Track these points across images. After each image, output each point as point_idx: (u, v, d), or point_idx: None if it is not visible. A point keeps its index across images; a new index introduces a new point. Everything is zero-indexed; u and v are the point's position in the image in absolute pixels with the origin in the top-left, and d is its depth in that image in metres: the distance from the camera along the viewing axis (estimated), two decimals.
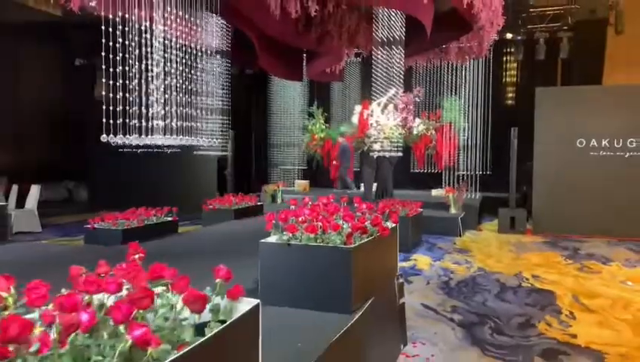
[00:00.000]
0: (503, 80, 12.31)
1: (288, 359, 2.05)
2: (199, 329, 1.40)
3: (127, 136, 4.63)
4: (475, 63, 10.52)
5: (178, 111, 4.99)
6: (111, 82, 4.53)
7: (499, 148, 10.49)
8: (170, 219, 6.22)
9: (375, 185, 10.00)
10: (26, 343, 0.93)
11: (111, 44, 4.67)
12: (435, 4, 6.43)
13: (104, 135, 4.61)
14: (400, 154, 8.58)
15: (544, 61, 11.30)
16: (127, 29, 4.74)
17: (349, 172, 11.31)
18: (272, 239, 2.82)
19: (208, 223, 7.22)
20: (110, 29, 4.66)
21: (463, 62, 10.13)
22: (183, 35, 4.96)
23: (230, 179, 12.14)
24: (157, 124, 4.70)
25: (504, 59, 12.15)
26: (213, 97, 5.28)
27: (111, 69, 4.62)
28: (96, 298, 1.40)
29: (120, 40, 4.68)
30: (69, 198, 12.70)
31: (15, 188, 8.13)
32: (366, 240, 2.84)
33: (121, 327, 1.20)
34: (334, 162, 11.48)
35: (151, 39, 4.65)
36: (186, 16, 4.97)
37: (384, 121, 8.71)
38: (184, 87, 5.02)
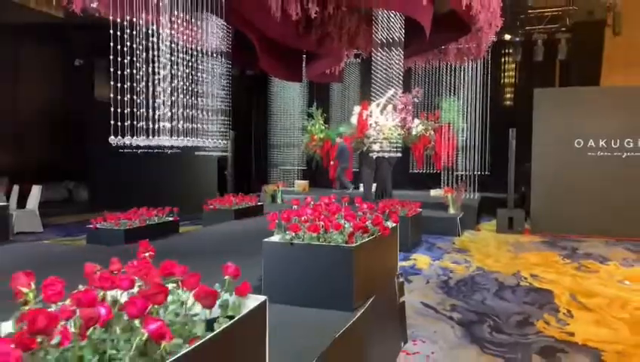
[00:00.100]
0: (502, 81, 12.39)
1: (292, 355, 2.10)
2: (209, 324, 1.45)
3: (135, 137, 4.66)
4: (473, 64, 10.59)
5: (184, 113, 5.03)
6: (119, 85, 4.56)
7: (497, 148, 10.55)
8: (171, 219, 6.26)
9: (374, 185, 10.05)
10: (49, 335, 0.98)
11: (119, 47, 4.69)
12: (434, 5, 6.49)
13: (112, 137, 4.65)
14: (399, 154, 8.63)
15: (542, 62, 11.39)
16: (133, 32, 4.76)
17: (347, 172, 11.36)
18: (275, 238, 2.87)
19: (209, 223, 7.27)
20: (117, 32, 4.67)
21: (461, 63, 10.20)
22: (185, 37, 5.00)
23: (230, 180, 12.18)
24: (163, 126, 4.74)
25: (502, 60, 12.24)
26: (216, 99, 5.32)
27: (119, 72, 4.64)
28: (109, 294, 1.45)
29: (128, 43, 4.70)
30: (69, 198, 12.73)
31: (16, 188, 8.16)
32: (367, 239, 2.90)
33: (136, 322, 1.24)
34: (332, 162, 11.54)
35: (158, 42, 4.69)
36: (189, 18, 5.00)
37: (383, 121, 8.77)
38: (189, 89, 5.06)
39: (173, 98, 4.87)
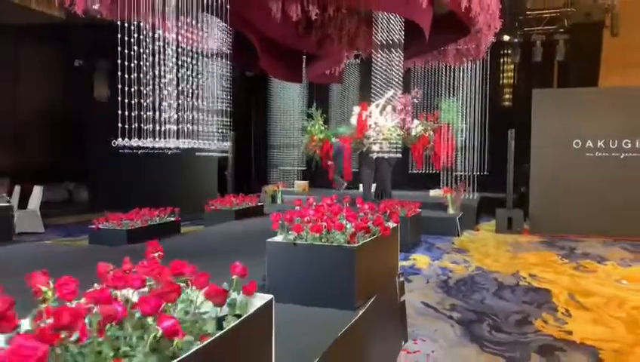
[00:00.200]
0: (500, 82, 12.45)
1: (296, 353, 2.15)
2: (218, 322, 1.49)
3: (142, 140, 4.71)
4: (472, 65, 10.64)
5: (190, 116, 5.07)
6: (126, 88, 4.60)
7: (496, 148, 10.61)
8: (173, 219, 6.30)
9: (374, 185, 10.10)
10: (73, 331, 1.02)
11: (126, 51, 4.71)
12: (433, 7, 6.54)
13: (119, 139, 4.69)
14: (399, 155, 8.68)
15: (541, 63, 11.45)
16: (137, 35, 4.79)
17: (344, 172, 11.39)
18: (279, 238, 2.91)
19: (210, 223, 7.31)
20: (125, 37, 4.69)
21: (460, 64, 10.25)
22: (187, 39, 5.03)
23: (230, 180, 12.21)
24: (168, 128, 4.78)
25: (501, 60, 12.29)
26: (219, 100, 5.36)
27: (126, 75, 4.68)
28: (120, 293, 1.50)
29: (134, 46, 4.73)
30: (69, 199, 12.75)
31: (17, 189, 8.19)
32: (369, 239, 2.94)
33: (150, 319, 1.29)
34: (330, 163, 11.59)
35: (161, 45, 4.73)
36: (190, 20, 5.04)
37: (382, 122, 8.83)
38: (192, 91, 5.10)
39: (179, 101, 4.91)
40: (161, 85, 4.74)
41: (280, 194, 10.74)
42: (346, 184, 11.81)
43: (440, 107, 10.82)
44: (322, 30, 7.76)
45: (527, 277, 5.67)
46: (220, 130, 5.42)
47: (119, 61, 4.45)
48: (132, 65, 4.56)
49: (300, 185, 12.56)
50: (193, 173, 11.49)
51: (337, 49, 8.29)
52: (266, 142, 13.80)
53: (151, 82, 4.65)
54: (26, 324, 1.31)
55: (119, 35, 4.48)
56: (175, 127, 4.80)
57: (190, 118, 5.06)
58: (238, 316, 1.59)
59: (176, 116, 4.81)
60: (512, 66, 12.31)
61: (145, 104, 4.61)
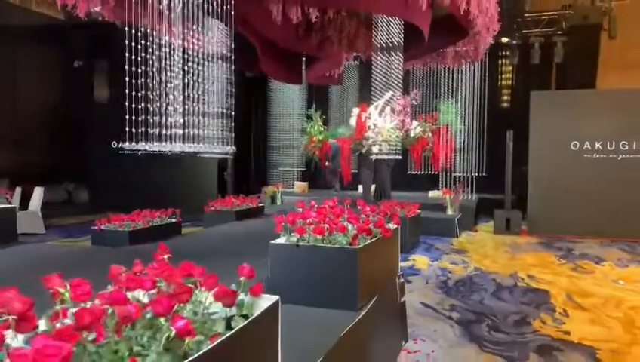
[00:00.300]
0: (499, 83, 12.51)
1: (300, 353, 2.19)
2: (227, 322, 1.54)
3: (149, 143, 4.75)
4: (471, 67, 10.70)
5: (196, 120, 5.12)
6: (133, 93, 4.63)
7: (494, 150, 10.68)
8: (174, 220, 6.34)
9: (373, 186, 10.15)
10: (92, 332, 1.07)
11: (133, 56, 4.74)
12: (432, 10, 6.59)
13: (126, 143, 4.73)
14: (399, 157, 8.72)
15: (539, 65, 11.52)
16: (142, 41, 4.82)
17: (339, 173, 11.43)
18: (282, 240, 2.96)
19: (210, 224, 7.34)
20: (132, 42, 4.72)
21: (459, 66, 10.30)
22: (191, 43, 5.07)
23: (230, 181, 12.25)
24: (174, 132, 4.82)
25: (499, 62, 12.36)
26: (223, 104, 5.40)
27: (133, 80, 4.71)
28: (130, 294, 1.54)
29: (140, 51, 4.76)
30: (68, 200, 12.77)
31: (19, 190, 8.22)
32: (370, 241, 2.99)
33: (162, 320, 1.33)
34: (327, 163, 11.64)
35: (169, 51, 4.76)
36: (194, 23, 5.08)
37: (382, 123, 8.88)
38: (197, 95, 5.14)
39: (185, 106, 4.95)
40: (167, 89, 4.78)
41: (279, 195, 10.78)
42: (338, 184, 11.87)
43: (439, 108, 10.89)
44: (322, 32, 7.81)
45: (525, 277, 5.73)
46: (224, 134, 5.46)
47: (126, 67, 4.47)
48: (139, 70, 4.58)
49: (300, 186, 12.61)
50: (193, 174, 11.53)
51: (337, 51, 8.34)
52: (265, 143, 13.84)
53: (157, 86, 4.68)
54: (41, 324, 1.35)
55: (126, 42, 4.50)
56: (180, 131, 4.83)
57: (196, 122, 5.10)
58: (245, 316, 1.63)
59: (181, 120, 4.85)
60: (511, 68, 12.38)
61: (151, 109, 4.65)
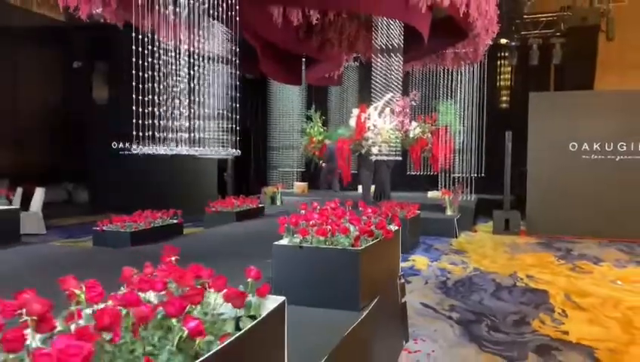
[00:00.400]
0: (498, 84, 12.56)
1: (304, 353, 2.23)
2: (235, 323, 1.58)
3: (156, 147, 4.79)
4: (470, 68, 10.75)
5: (202, 123, 5.16)
6: (140, 97, 4.66)
7: (493, 150, 10.73)
8: (175, 221, 6.37)
9: (373, 187, 10.19)
10: (112, 332, 1.11)
11: (140, 61, 4.78)
12: (432, 12, 6.63)
13: (134, 146, 4.77)
14: (399, 158, 8.77)
15: (537, 66, 11.58)
16: (149, 46, 4.85)
17: (336, 173, 11.48)
18: (285, 241, 3.00)
19: (211, 225, 7.38)
20: (139, 47, 4.75)
21: (458, 67, 10.35)
22: (195, 46, 5.11)
23: (230, 181, 12.28)
24: (180, 136, 4.86)
25: (498, 63, 12.41)
26: (227, 106, 5.44)
27: (140, 85, 4.74)
28: (144, 295, 1.58)
29: (147, 56, 4.80)
30: (68, 200, 12.78)
31: (20, 190, 8.24)
32: (372, 242, 3.03)
33: (174, 320, 1.37)
34: (323, 164, 11.70)
35: (177, 55, 4.80)
36: (197, 25, 5.12)
37: (381, 124, 8.93)
38: (203, 99, 5.18)
39: (192, 110, 4.99)
40: (172, 93, 4.81)
41: (279, 196, 10.82)
42: (337, 185, 11.92)
43: (438, 109, 10.95)
44: (323, 34, 7.86)
45: (524, 278, 5.78)
46: (229, 138, 5.49)
47: (134, 71, 4.50)
48: (146, 75, 4.61)
49: (299, 186, 12.64)
50: (193, 175, 11.55)
51: (337, 53, 8.38)
52: (265, 144, 13.88)
53: (164, 90, 4.72)
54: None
55: (133, 47, 4.54)
56: (186, 135, 4.87)
57: (201, 125, 5.14)
58: (252, 317, 1.68)
59: (187, 123, 4.89)
60: (509, 69, 12.44)
61: (158, 113, 4.69)
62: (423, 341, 3.74)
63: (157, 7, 4.60)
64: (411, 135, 10.53)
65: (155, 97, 4.66)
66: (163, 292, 1.62)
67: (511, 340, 3.79)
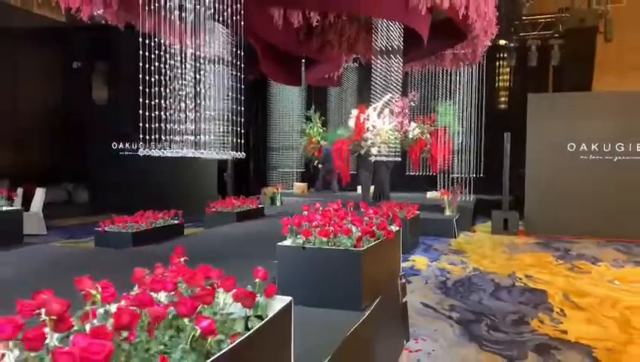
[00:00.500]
0: (496, 85, 12.61)
1: (308, 352, 2.26)
2: (245, 322, 1.62)
3: (163, 150, 4.82)
4: (468, 69, 10.79)
5: (208, 126, 5.20)
6: (147, 101, 4.70)
7: (492, 151, 10.77)
8: (176, 221, 6.41)
9: (372, 187, 10.24)
10: (129, 331, 1.15)
11: (147, 66, 4.80)
12: (431, 14, 6.68)
13: (141, 149, 4.80)
14: (398, 159, 8.81)
15: (536, 67, 11.64)
16: (157, 51, 4.88)
17: (335, 174, 11.52)
18: (288, 242, 3.04)
19: (211, 225, 7.41)
20: (145, 51, 4.78)
21: (457, 68, 10.40)
22: (199, 50, 5.15)
23: (230, 182, 12.30)
24: (187, 139, 4.90)
25: (497, 64, 12.46)
26: (231, 109, 5.48)
27: (147, 89, 4.78)
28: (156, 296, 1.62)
29: (154, 61, 4.83)
30: (68, 200, 12.80)
31: (20, 191, 8.26)
32: (374, 243, 3.08)
33: (186, 320, 1.41)
34: (320, 165, 11.73)
35: (182, 59, 4.83)
36: (203, 32, 5.15)
37: (380, 125, 8.97)
38: (208, 102, 5.22)
39: (197, 113, 5.03)
40: (179, 97, 4.85)
41: (279, 196, 10.85)
42: (336, 186, 11.96)
43: (437, 110, 11.00)
44: (323, 36, 7.90)
45: (523, 278, 5.83)
46: (234, 141, 5.53)
47: (140, 75, 4.54)
48: (153, 79, 4.64)
49: (299, 187, 12.68)
50: (193, 175, 11.56)
51: (337, 54, 8.43)
52: (265, 144, 13.91)
53: (170, 94, 4.76)
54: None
55: (141, 52, 4.57)
56: (192, 137, 4.91)
57: (206, 128, 5.18)
58: (259, 317, 1.72)
59: (192, 126, 4.93)
60: (508, 70, 12.48)
61: (164, 116, 4.72)
62: (424, 340, 3.79)
63: (161, 10, 4.63)
64: (410, 136, 10.57)
65: (161, 101, 4.69)
66: (172, 293, 1.66)
67: (510, 339, 3.83)
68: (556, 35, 11.36)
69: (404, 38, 7.36)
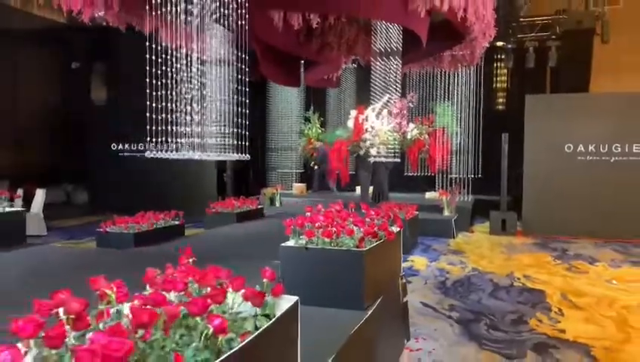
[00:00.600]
0: (494, 86, 12.66)
1: (312, 351, 2.30)
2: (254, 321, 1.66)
3: (170, 152, 4.86)
4: (467, 70, 10.84)
5: (214, 129, 5.24)
6: (154, 104, 4.73)
7: (490, 152, 10.83)
8: (177, 222, 6.44)
9: (371, 188, 10.28)
10: (147, 329, 1.19)
11: (153, 69, 4.83)
12: (430, 16, 6.72)
13: (147, 151, 4.83)
14: (397, 160, 8.86)
15: (533, 69, 11.69)
16: (163, 55, 4.91)
17: (331, 174, 11.55)
18: (291, 243, 3.08)
19: (211, 226, 7.44)
20: (151, 54, 4.81)
21: (455, 69, 10.45)
22: (201, 52, 5.18)
23: (229, 182, 12.33)
24: (192, 141, 4.94)
25: (495, 66, 12.52)
26: (235, 112, 5.53)
27: (154, 93, 4.81)
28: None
29: (161, 65, 4.86)
30: (67, 201, 12.81)
31: (20, 191, 8.28)
32: (375, 243, 3.12)
33: (198, 319, 1.45)
34: (316, 166, 11.77)
35: (189, 62, 4.87)
36: (208, 36, 5.19)
37: (379, 125, 9.02)
38: (213, 105, 5.26)
39: (204, 116, 5.07)
40: (185, 99, 4.88)
41: (278, 197, 10.89)
42: (334, 186, 12.00)
43: (435, 111, 11.06)
44: (322, 38, 7.94)
45: (521, 278, 5.88)
46: (239, 143, 5.57)
47: (147, 79, 4.57)
48: (159, 82, 4.68)
49: (298, 187, 12.71)
50: (192, 176, 11.57)
51: (336, 56, 8.47)
52: (264, 145, 13.94)
53: (176, 97, 4.79)
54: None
55: (147, 56, 4.60)
56: (198, 140, 4.95)
57: (212, 130, 5.23)
58: (267, 316, 1.76)
59: (198, 129, 4.97)
60: (506, 72, 12.53)
61: (170, 119, 4.76)
62: (424, 339, 3.83)
63: (164, 13, 4.66)
64: (409, 136, 10.63)
65: (167, 103, 4.73)
66: (182, 293, 1.70)
67: (509, 338, 3.89)
68: (553, 37, 11.42)
69: (403, 40, 7.41)
